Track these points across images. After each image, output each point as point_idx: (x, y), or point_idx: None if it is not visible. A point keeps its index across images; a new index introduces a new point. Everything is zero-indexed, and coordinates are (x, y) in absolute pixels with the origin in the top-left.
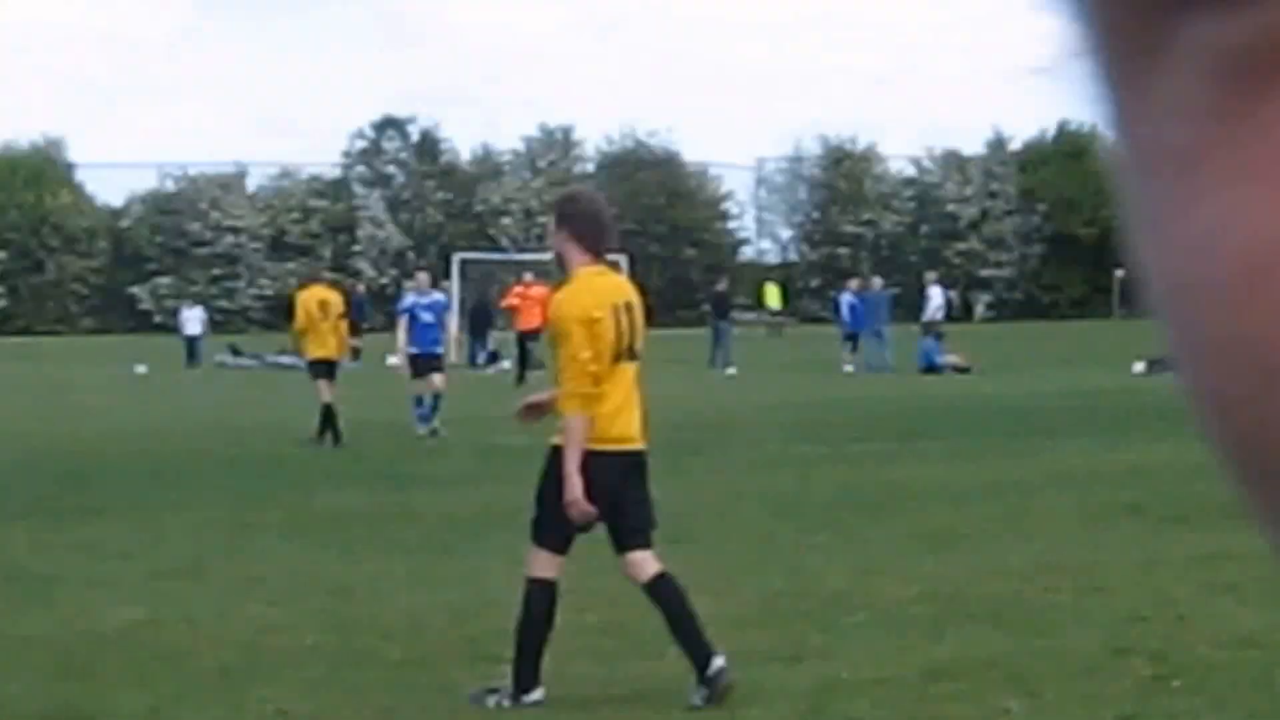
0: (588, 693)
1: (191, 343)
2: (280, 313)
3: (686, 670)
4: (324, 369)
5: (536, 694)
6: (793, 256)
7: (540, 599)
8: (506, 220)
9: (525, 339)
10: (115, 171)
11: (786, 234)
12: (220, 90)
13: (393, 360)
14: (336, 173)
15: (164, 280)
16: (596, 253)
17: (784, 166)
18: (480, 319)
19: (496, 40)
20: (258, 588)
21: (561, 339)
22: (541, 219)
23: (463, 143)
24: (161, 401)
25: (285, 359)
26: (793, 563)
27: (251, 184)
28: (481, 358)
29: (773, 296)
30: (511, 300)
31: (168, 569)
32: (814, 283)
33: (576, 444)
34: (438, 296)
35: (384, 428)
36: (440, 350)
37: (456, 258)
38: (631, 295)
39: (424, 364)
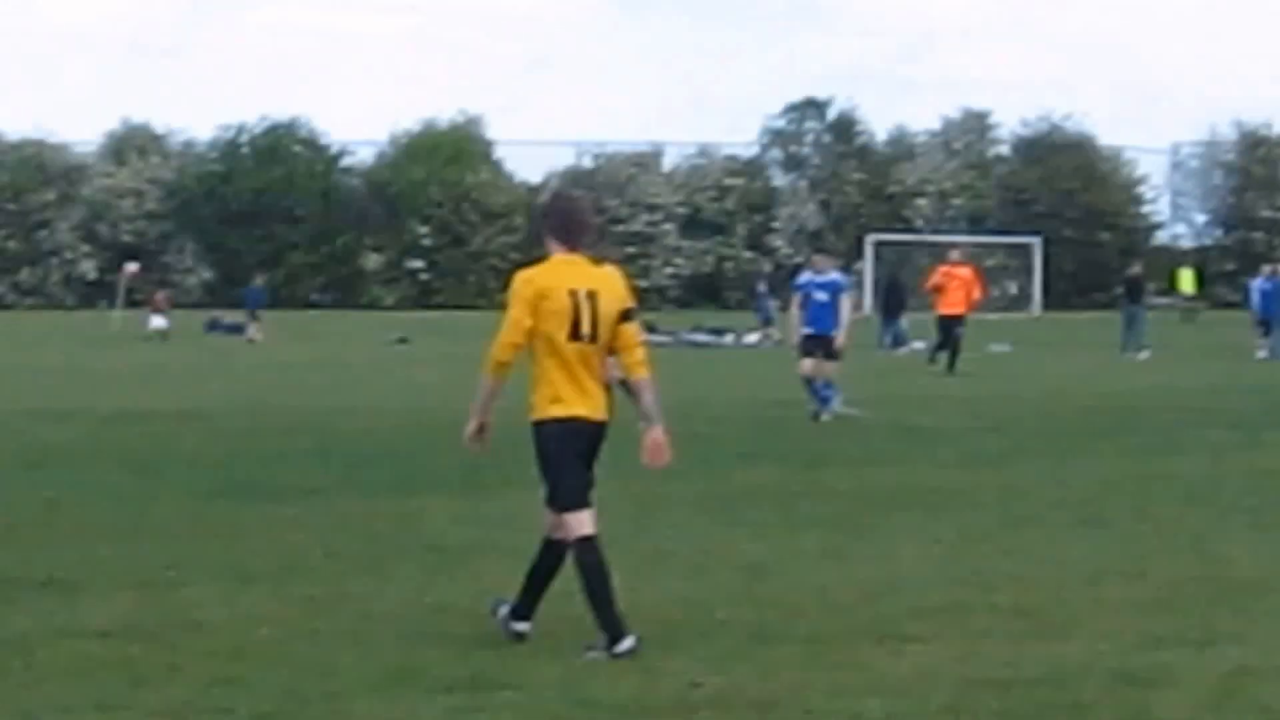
0: (1000, 675)
1: None
2: (696, 291)
3: (1095, 654)
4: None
5: (627, 643)
6: (1207, 241)
7: (590, 556)
8: (921, 201)
9: (948, 323)
10: (533, 149)
11: (1201, 218)
12: (637, 69)
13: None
14: (753, 152)
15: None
16: (571, 247)
17: (1199, 151)
18: (893, 300)
19: (914, 22)
20: (670, 562)
21: (507, 305)
22: (956, 201)
23: (878, 124)
24: None
25: (700, 336)
26: (1203, 548)
27: (667, 162)
28: (888, 340)
29: (1186, 281)
30: (936, 281)
31: None
32: (1228, 268)
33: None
34: (833, 276)
35: (794, 405)
36: (833, 332)
37: (870, 238)
38: (599, 285)
39: (814, 343)
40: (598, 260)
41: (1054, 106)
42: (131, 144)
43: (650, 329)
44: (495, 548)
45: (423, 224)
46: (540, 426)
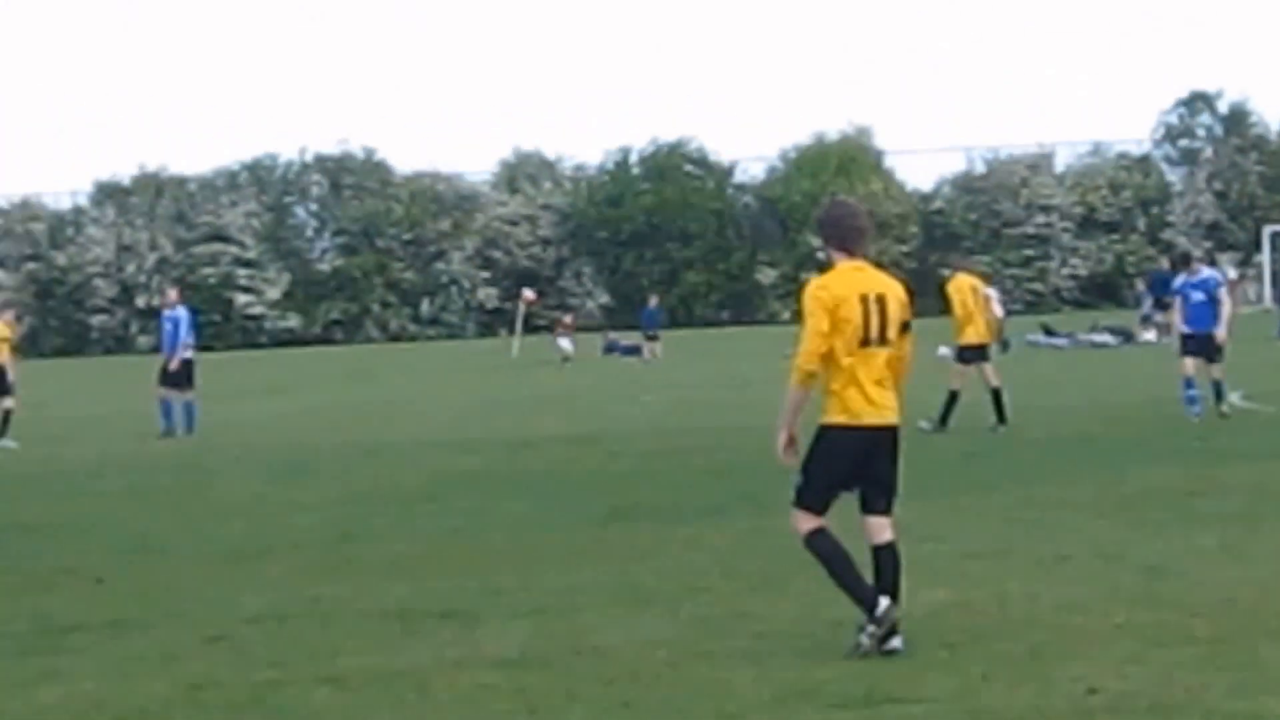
0: None
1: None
2: (1094, 290)
3: None
4: (976, 354)
5: (880, 606)
6: None
7: (823, 544)
8: None
9: None
10: (923, 156)
11: None
12: (1023, 71)
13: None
14: (1144, 148)
15: (979, 259)
16: (850, 252)
17: None
18: None
19: None
20: (1066, 567)
21: (805, 317)
22: None
23: (1272, 116)
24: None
25: (1098, 337)
26: None
27: (1059, 163)
28: None
29: None
30: None
31: (977, 550)
32: None
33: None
34: (1207, 274)
35: (1199, 403)
36: (1213, 329)
37: (1267, 230)
38: (886, 290)
39: (1194, 343)
40: (965, 271)
41: None
42: (524, 172)
43: (1047, 331)
44: None
45: (816, 237)
46: (824, 431)
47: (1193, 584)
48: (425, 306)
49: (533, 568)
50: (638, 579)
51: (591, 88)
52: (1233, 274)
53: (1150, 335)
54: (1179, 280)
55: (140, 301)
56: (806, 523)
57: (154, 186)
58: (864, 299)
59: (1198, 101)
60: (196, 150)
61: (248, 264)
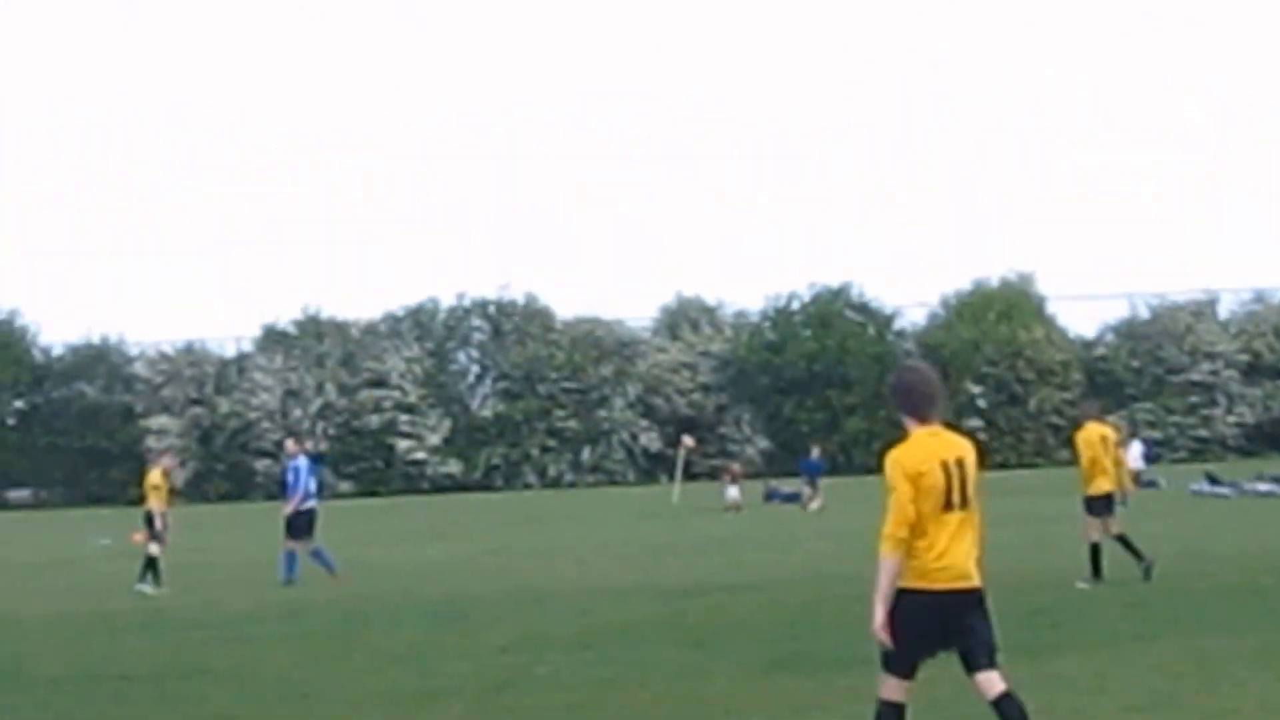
0: None
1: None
2: (1261, 439)
3: None
4: (1104, 505)
5: None
6: None
7: (888, 716)
8: None
9: None
10: (1086, 303)
11: None
12: (1184, 216)
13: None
14: None
15: (1142, 406)
16: (923, 419)
17: None
18: None
19: None
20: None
21: (889, 488)
22: None
23: None
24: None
25: (1263, 486)
26: None
27: (1223, 309)
28: None
29: None
30: None
31: (1140, 703)
32: None
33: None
34: None
35: None
36: None
37: None
38: (964, 453)
39: None
40: (1095, 420)
41: None
42: (684, 317)
43: (1212, 480)
44: (1052, 712)
45: (977, 383)
46: (901, 595)
47: None
48: (586, 453)
49: (694, 717)
50: None
51: (753, 233)
52: None
53: None
54: None
55: (307, 446)
56: (889, 691)
57: (318, 332)
58: (944, 465)
59: None
60: (360, 296)
61: (409, 409)
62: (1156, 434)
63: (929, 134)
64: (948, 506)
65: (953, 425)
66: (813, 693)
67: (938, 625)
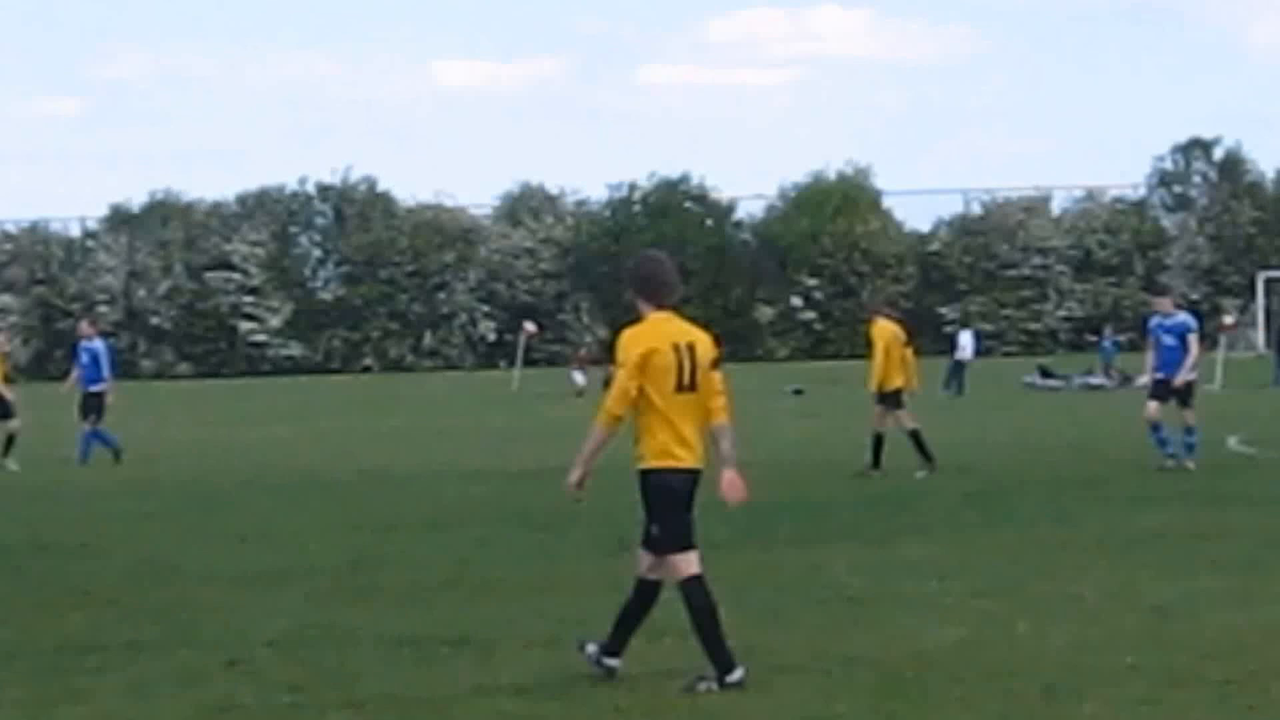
0: None
1: (956, 367)
2: (1092, 333)
3: None
4: (894, 399)
5: (737, 673)
6: None
7: (698, 594)
8: None
9: None
10: (921, 198)
11: None
12: (1020, 115)
13: (1141, 380)
14: (1139, 194)
15: (975, 300)
16: (659, 304)
17: None
18: None
19: None
20: (1076, 606)
21: (619, 364)
22: None
23: (1266, 164)
24: (970, 423)
25: (1094, 379)
26: None
27: (1056, 207)
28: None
29: None
30: None
31: (986, 588)
32: None
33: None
34: (1181, 318)
35: (1200, 446)
36: (1170, 375)
37: (1261, 276)
38: (695, 339)
39: (1162, 388)
40: (886, 316)
41: None
42: (526, 205)
43: (1045, 373)
44: (899, 597)
45: (813, 275)
46: (649, 475)
47: (1201, 626)
48: (427, 338)
49: (545, 597)
50: None
51: (595, 123)
52: (1228, 319)
53: (1145, 379)
54: (1153, 320)
55: (152, 323)
56: (687, 566)
57: (163, 214)
58: (676, 347)
59: (1193, 148)
60: (206, 178)
61: (252, 292)
62: (989, 326)
63: (766, 28)
64: (679, 388)
65: (788, 315)
66: None
67: (686, 500)
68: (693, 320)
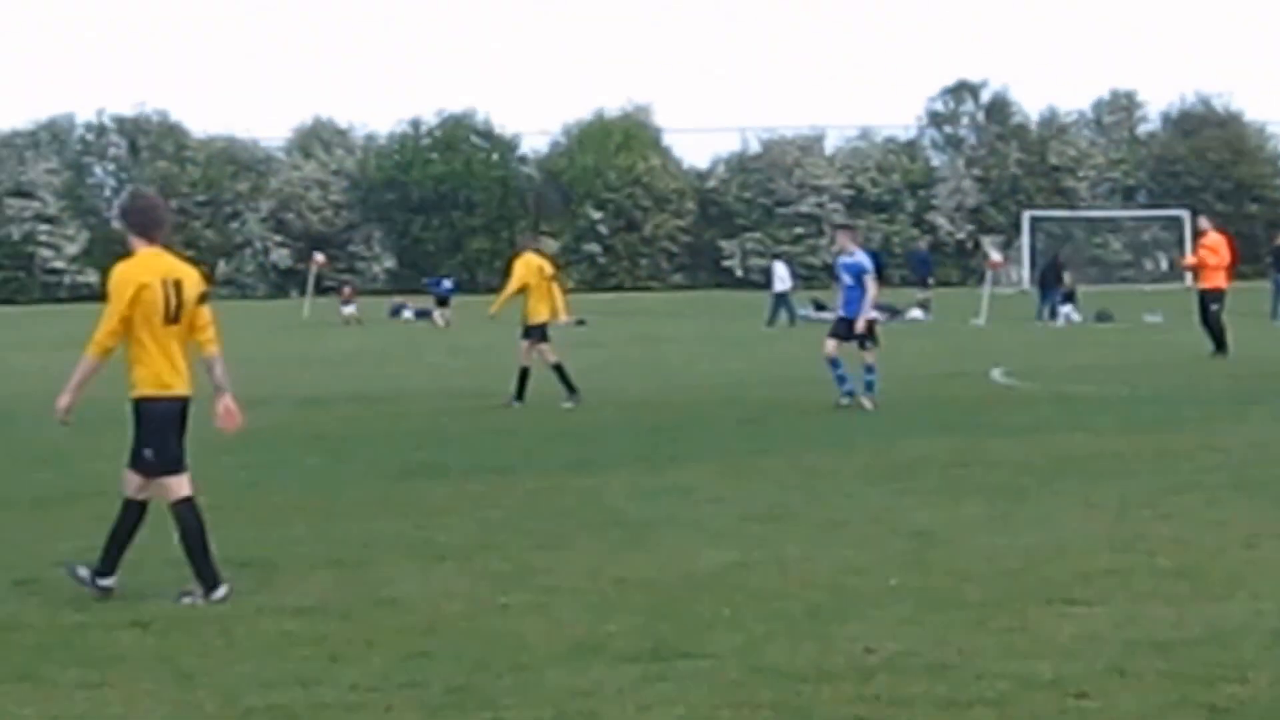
0: (1163, 636)
1: (779, 299)
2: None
3: (1255, 613)
4: (539, 332)
5: (221, 590)
6: None
7: (189, 514)
8: (1079, 177)
9: (1207, 298)
10: (700, 135)
11: None
12: (797, 55)
13: (914, 314)
14: (911, 134)
15: (752, 236)
16: (150, 239)
17: None
18: (1049, 273)
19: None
20: (841, 531)
21: (110, 298)
22: (1110, 175)
23: (1032, 106)
24: (745, 355)
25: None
26: None
27: (830, 145)
28: (1046, 312)
29: None
30: (1191, 260)
31: (756, 513)
32: None
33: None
34: (858, 258)
35: (954, 378)
36: (853, 314)
37: (1026, 215)
38: (183, 275)
39: (842, 326)
40: (534, 251)
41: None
42: (317, 138)
43: (818, 306)
44: (673, 521)
45: (597, 209)
46: (142, 403)
47: (961, 550)
48: (221, 266)
49: (328, 521)
50: (431, 534)
51: (383, 58)
52: (995, 256)
53: (917, 313)
54: (837, 259)
55: None
56: (179, 489)
57: None
58: (165, 282)
59: (962, 90)
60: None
61: (49, 220)
62: (763, 262)
63: None
64: (168, 320)
65: (572, 249)
66: (445, 498)
67: (179, 426)
68: (475, 253)
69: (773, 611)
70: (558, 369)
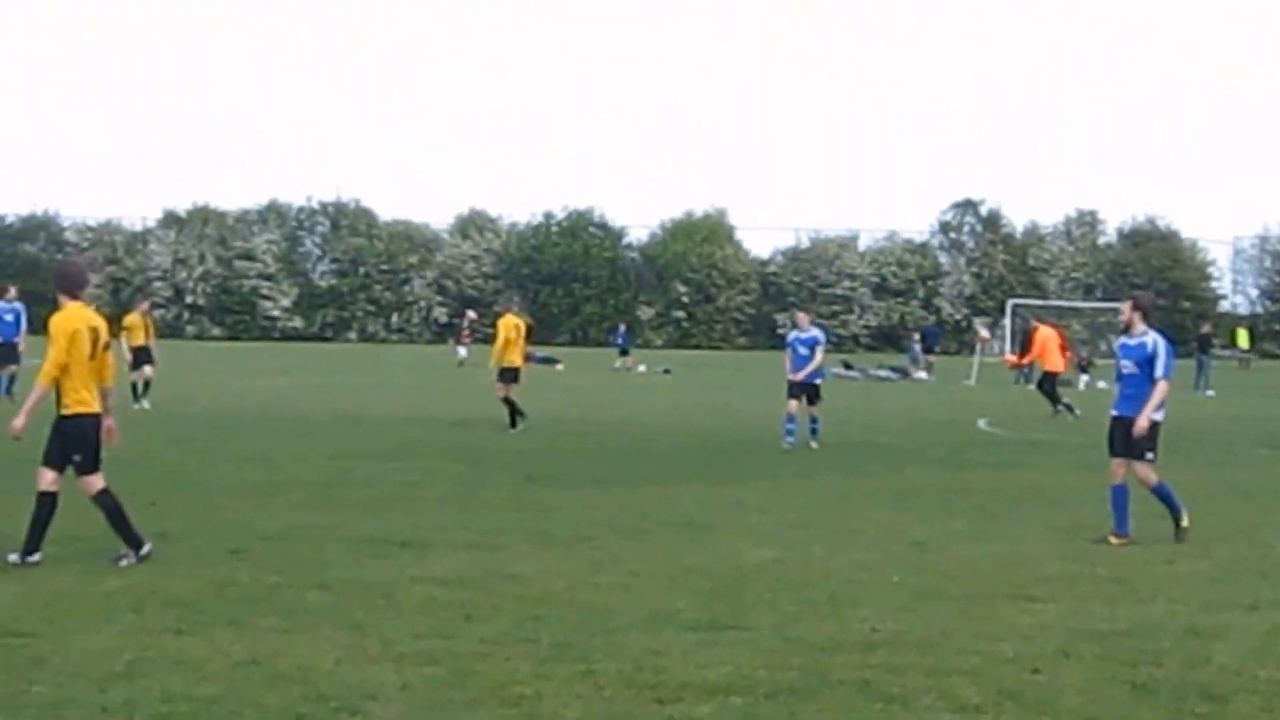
0: (1099, 627)
1: None
2: (883, 339)
3: (1171, 613)
4: (512, 375)
5: (147, 547)
6: (1259, 309)
7: (105, 501)
8: (1051, 274)
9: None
10: (763, 232)
11: (1255, 292)
12: (841, 174)
13: (920, 375)
14: (925, 238)
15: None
16: (75, 296)
17: (1255, 242)
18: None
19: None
20: (856, 538)
21: (52, 341)
22: (1075, 275)
23: (1018, 220)
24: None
25: (883, 372)
26: (1254, 535)
27: (862, 243)
28: (1022, 378)
29: (1243, 338)
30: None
31: (791, 522)
32: (1276, 328)
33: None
34: (813, 334)
35: (949, 425)
36: (815, 379)
37: (1010, 303)
38: (98, 323)
39: (799, 388)
40: (513, 313)
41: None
42: (473, 223)
43: (847, 366)
44: (728, 525)
45: (683, 285)
46: (69, 419)
47: (948, 555)
48: (395, 318)
49: (468, 513)
50: (545, 527)
51: (525, 162)
52: (984, 333)
53: (922, 374)
54: (791, 336)
55: (189, 300)
56: (97, 483)
57: (203, 217)
58: (90, 328)
59: (965, 206)
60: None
61: (268, 278)
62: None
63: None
64: (91, 357)
65: (663, 315)
66: (557, 500)
67: (95, 436)
68: (589, 315)
69: (801, 597)
70: (508, 402)
